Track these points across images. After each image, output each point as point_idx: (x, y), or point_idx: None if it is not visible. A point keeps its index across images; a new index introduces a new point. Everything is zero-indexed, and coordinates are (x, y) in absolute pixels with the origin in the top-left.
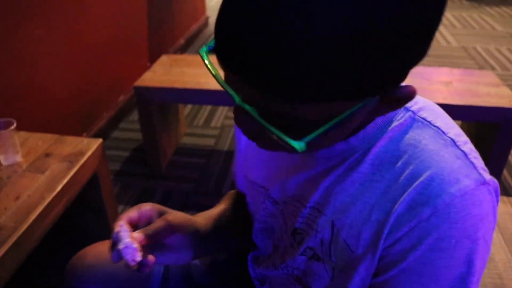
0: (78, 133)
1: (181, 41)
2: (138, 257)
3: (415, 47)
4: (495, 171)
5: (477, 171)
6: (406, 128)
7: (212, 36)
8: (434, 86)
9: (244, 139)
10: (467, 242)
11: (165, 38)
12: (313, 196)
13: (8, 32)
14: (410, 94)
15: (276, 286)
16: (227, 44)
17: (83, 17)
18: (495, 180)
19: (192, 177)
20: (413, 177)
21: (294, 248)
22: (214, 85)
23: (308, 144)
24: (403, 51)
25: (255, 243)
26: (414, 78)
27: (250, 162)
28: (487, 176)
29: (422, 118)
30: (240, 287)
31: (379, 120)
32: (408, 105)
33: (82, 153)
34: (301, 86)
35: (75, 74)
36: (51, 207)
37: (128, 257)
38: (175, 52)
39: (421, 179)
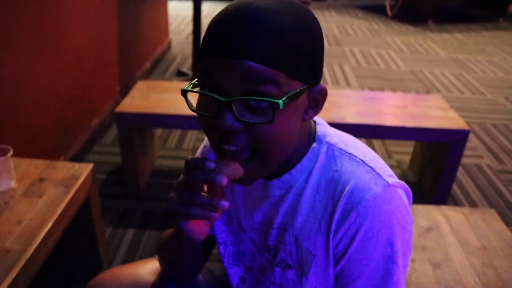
0: (56, 157)
1: (147, 64)
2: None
3: (319, 50)
4: (446, 184)
5: (383, 179)
6: (330, 158)
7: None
8: (392, 110)
9: None
10: (385, 229)
11: (132, 62)
12: (277, 219)
13: None
14: (323, 90)
15: None
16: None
17: (61, 46)
18: (402, 183)
19: None
20: (341, 193)
21: (270, 262)
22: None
23: (284, 102)
24: (316, 51)
25: (227, 269)
26: (373, 103)
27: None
28: (390, 180)
29: (339, 149)
30: None
31: (310, 154)
32: (328, 139)
33: (75, 178)
34: (275, 56)
35: (54, 101)
36: (53, 230)
37: (230, 172)
38: (142, 76)
39: (345, 193)
